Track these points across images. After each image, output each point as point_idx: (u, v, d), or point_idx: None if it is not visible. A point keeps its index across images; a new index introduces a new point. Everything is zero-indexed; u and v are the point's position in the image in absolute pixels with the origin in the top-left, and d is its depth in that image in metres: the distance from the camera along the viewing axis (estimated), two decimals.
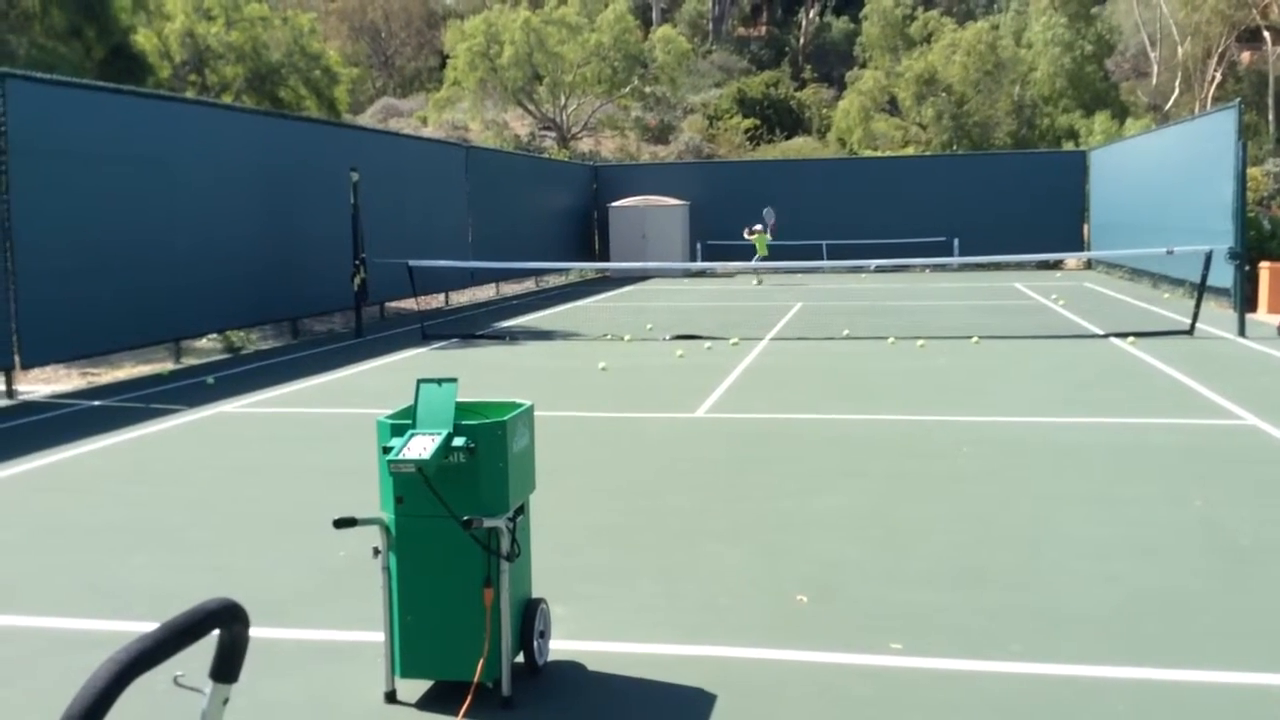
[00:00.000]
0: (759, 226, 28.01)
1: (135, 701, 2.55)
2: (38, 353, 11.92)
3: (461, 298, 23.96)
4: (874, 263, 19.85)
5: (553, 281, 29.22)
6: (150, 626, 1.79)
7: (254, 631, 2.03)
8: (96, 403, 11.18)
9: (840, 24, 62.58)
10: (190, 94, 26.27)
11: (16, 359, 11.61)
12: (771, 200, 30.13)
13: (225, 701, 1.99)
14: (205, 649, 1.94)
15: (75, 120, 12.52)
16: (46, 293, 11.91)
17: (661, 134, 49.66)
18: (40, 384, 12.48)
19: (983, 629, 4.68)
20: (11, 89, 11.56)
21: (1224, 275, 16.62)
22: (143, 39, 25.69)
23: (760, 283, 26.96)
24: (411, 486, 3.96)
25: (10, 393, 11.48)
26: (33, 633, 4.89)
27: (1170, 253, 16.37)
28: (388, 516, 4.07)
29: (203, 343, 15.61)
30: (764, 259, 26.55)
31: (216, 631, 1.94)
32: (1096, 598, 5.03)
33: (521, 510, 4.23)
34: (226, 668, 1.98)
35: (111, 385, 12.42)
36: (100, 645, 4.57)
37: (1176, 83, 45.78)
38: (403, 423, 4.06)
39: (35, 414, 10.60)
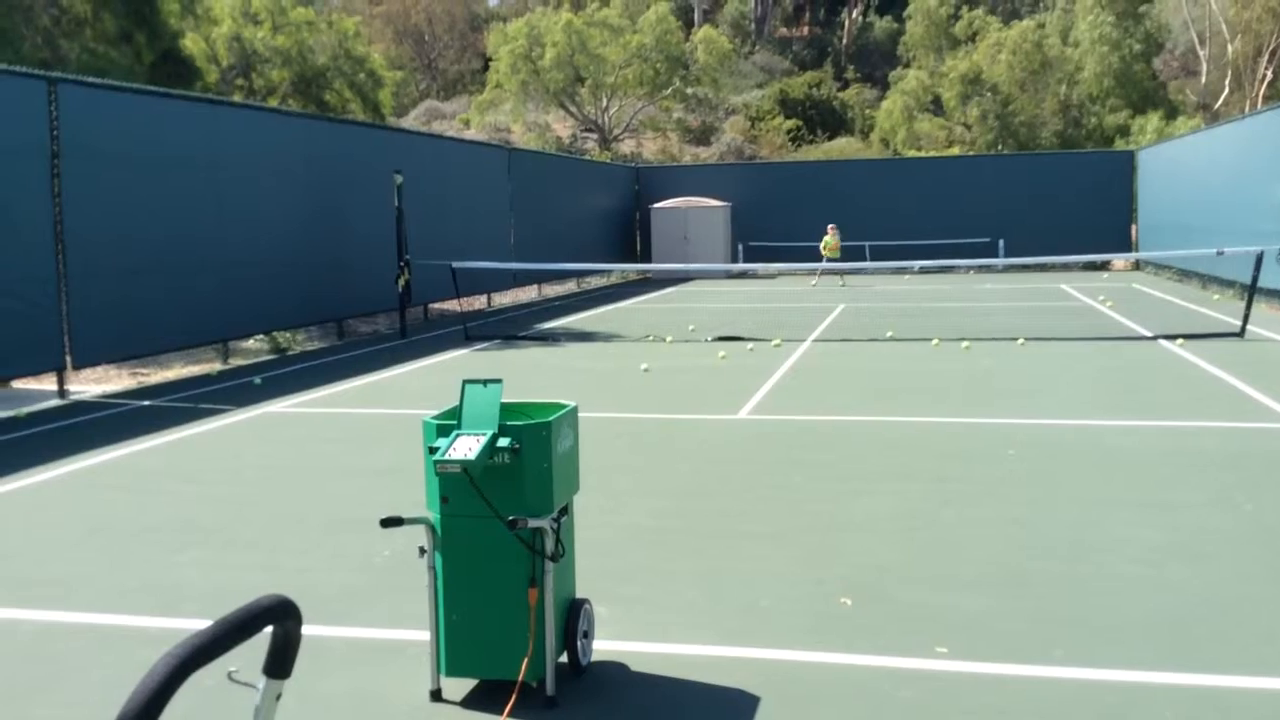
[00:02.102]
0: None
1: (188, 697, 2.59)
2: (89, 353, 12.13)
3: (504, 299, 24.08)
4: (917, 264, 19.68)
5: (594, 283, 29.28)
6: (201, 624, 1.83)
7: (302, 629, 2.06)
8: (146, 402, 11.35)
9: (883, 24, 62.26)
10: (237, 97, 26.56)
11: (68, 359, 11.82)
12: (814, 202, 30.03)
13: (278, 697, 2.02)
14: (255, 646, 1.97)
15: (126, 124, 12.73)
16: (97, 294, 12.12)
17: (703, 135, 49.65)
18: (91, 384, 12.69)
19: (1028, 633, 4.64)
20: (64, 93, 11.77)
21: (1275, 277, 16.36)
22: (191, 43, 26.05)
23: (833, 285, 26.71)
24: (457, 486, 3.99)
25: (62, 392, 11.68)
26: (85, 629, 4.97)
27: (1220, 254, 16.12)
28: (433, 516, 4.10)
29: (250, 343, 15.79)
30: (833, 260, 26.21)
31: (269, 628, 1.97)
32: (1144, 603, 4.97)
33: (565, 511, 4.25)
34: (279, 664, 2.01)
35: (161, 385, 12.60)
36: (152, 642, 4.64)
37: (1226, 81, 45.09)
38: (448, 423, 4.09)
39: (86, 413, 10.78)
